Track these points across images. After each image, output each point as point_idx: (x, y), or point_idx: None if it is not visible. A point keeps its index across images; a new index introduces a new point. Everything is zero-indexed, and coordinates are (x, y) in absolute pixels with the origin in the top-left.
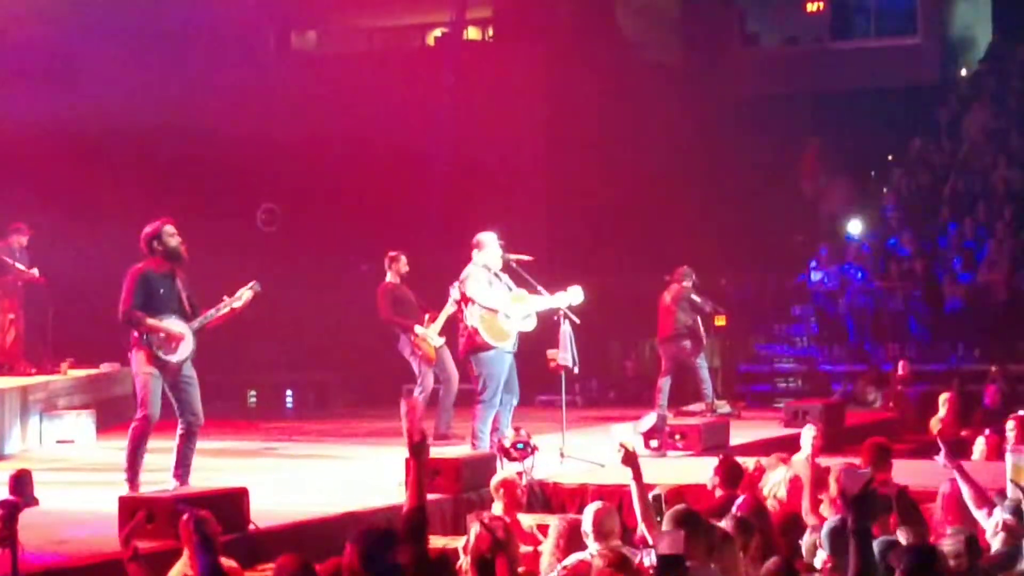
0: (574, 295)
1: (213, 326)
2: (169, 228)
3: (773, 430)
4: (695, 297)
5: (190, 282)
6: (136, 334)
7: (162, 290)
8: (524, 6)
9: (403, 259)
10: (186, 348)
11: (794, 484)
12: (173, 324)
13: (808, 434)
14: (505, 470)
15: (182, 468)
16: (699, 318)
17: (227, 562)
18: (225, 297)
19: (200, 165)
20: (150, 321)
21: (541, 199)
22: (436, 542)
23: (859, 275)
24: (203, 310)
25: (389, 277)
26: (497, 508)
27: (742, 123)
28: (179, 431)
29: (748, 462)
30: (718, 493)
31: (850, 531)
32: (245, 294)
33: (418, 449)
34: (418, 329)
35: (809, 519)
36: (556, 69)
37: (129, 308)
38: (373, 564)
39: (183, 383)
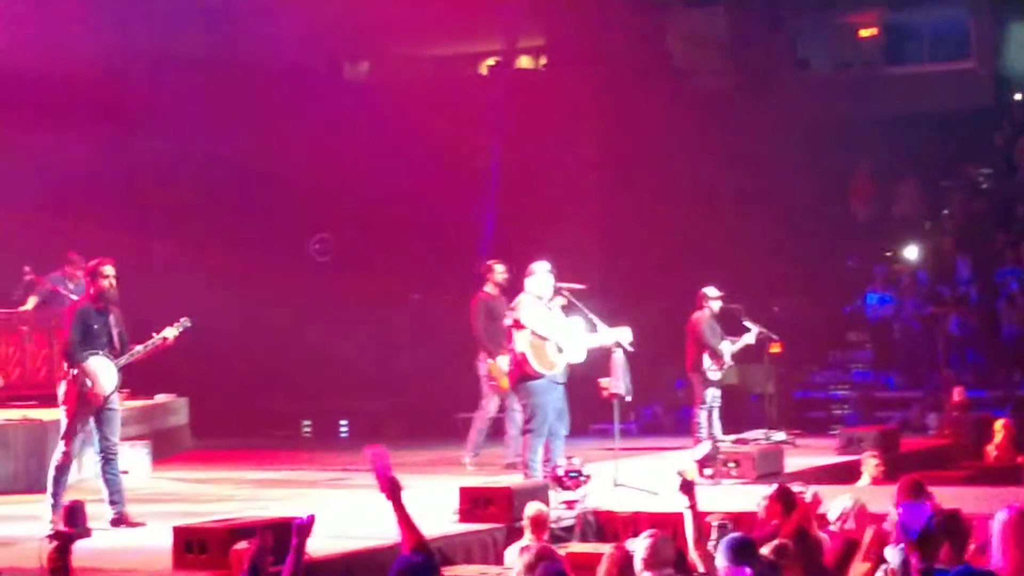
0: (623, 335)
1: (143, 359)
2: (106, 269)
3: (828, 457)
4: (713, 324)
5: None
6: (68, 368)
7: (96, 326)
8: (576, 35)
9: (498, 268)
10: (109, 385)
11: (861, 513)
12: (99, 364)
13: (870, 462)
14: (535, 503)
15: (116, 494)
16: (723, 343)
17: None
18: (153, 334)
19: (254, 195)
20: (80, 359)
21: (595, 226)
22: (488, 571)
23: (914, 301)
24: (131, 346)
25: (486, 288)
26: (526, 539)
27: (794, 148)
28: (98, 460)
29: (806, 491)
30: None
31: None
32: (171, 332)
33: (392, 492)
34: (500, 360)
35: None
36: (608, 97)
37: (68, 342)
38: None
39: (105, 412)
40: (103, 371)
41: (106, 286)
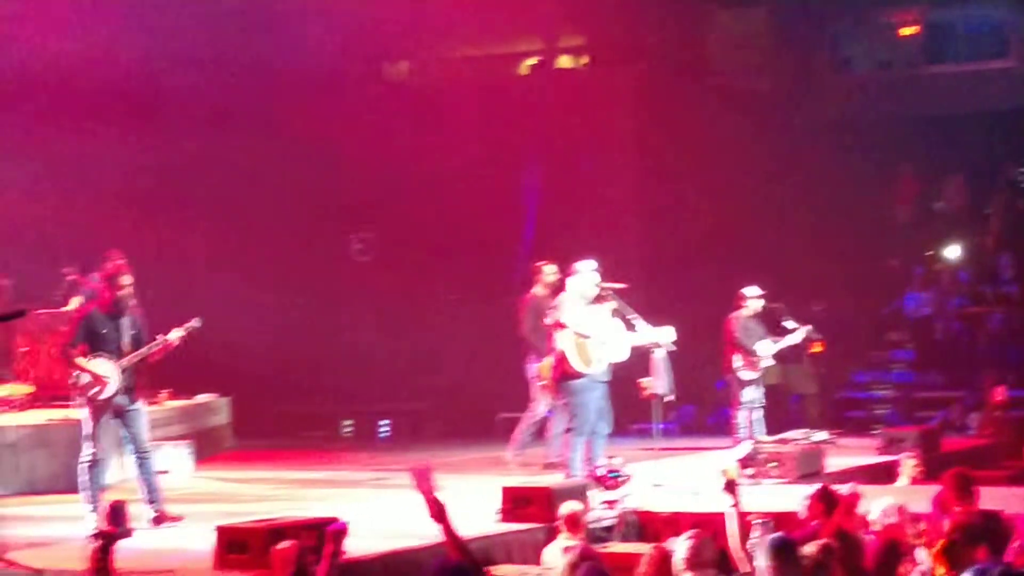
0: (666, 335)
1: (155, 360)
2: (123, 279)
3: (869, 457)
4: (748, 323)
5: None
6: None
7: (104, 330)
8: (616, 34)
9: (547, 269)
10: (110, 387)
11: (901, 513)
12: (97, 365)
13: (908, 463)
14: (571, 501)
15: (152, 493)
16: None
17: None
18: (158, 336)
19: (294, 195)
20: (78, 360)
21: (635, 226)
22: (528, 572)
23: (956, 300)
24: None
25: (535, 289)
26: (563, 539)
27: (834, 148)
28: (134, 462)
29: (842, 488)
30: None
31: None
32: (175, 334)
33: (439, 514)
34: (548, 361)
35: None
36: (648, 96)
37: (65, 344)
38: None
39: (128, 414)
40: (104, 373)
41: (122, 295)
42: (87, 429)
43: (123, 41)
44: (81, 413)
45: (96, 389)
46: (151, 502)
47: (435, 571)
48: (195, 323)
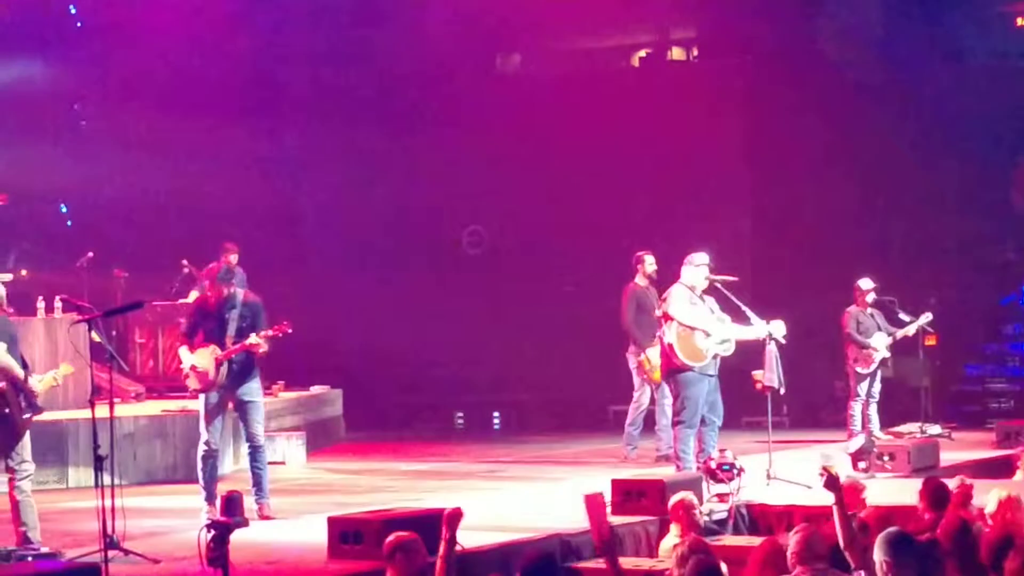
0: (776, 328)
1: (263, 354)
2: (225, 271)
3: (984, 451)
4: (861, 317)
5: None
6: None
7: (212, 321)
8: (728, 26)
9: (648, 259)
10: (207, 378)
11: (1017, 507)
12: (197, 356)
13: None
14: (682, 492)
15: (255, 486)
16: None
17: None
18: (252, 334)
19: (405, 188)
20: (180, 352)
21: (746, 219)
22: (642, 564)
23: None
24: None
25: (637, 279)
26: (675, 531)
27: (948, 141)
28: (248, 453)
29: (952, 481)
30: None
31: None
32: (261, 336)
33: (607, 548)
34: (649, 352)
35: None
36: (758, 89)
37: (180, 334)
38: None
39: (244, 408)
40: (202, 364)
41: (232, 286)
42: (201, 420)
43: (234, 37)
44: (196, 404)
45: (198, 380)
46: (255, 495)
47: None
48: (285, 329)
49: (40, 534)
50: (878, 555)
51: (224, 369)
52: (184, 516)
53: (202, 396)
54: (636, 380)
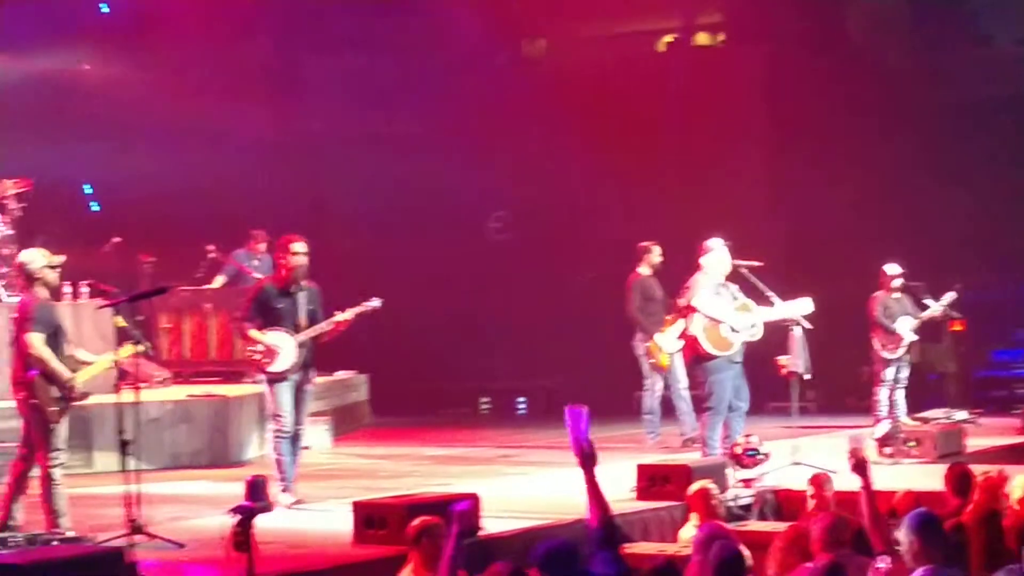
0: (803, 306)
1: (330, 338)
2: (295, 246)
3: (1011, 437)
4: (888, 302)
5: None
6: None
7: (279, 305)
8: (754, 11)
9: (655, 250)
10: (284, 360)
11: None
12: (272, 337)
13: None
14: (702, 480)
15: (281, 472)
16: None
17: None
18: (336, 312)
19: (431, 172)
20: (250, 333)
21: (772, 204)
22: (666, 549)
23: None
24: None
25: (640, 269)
26: (694, 519)
27: (974, 126)
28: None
29: (991, 469)
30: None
31: None
32: (349, 313)
33: (587, 459)
34: (657, 338)
35: None
36: (785, 73)
37: (238, 318)
38: None
39: (303, 392)
40: (277, 344)
41: (295, 264)
42: (269, 404)
43: (265, 20)
44: (262, 388)
45: (269, 362)
46: (280, 480)
47: (541, 554)
48: (373, 303)
49: (69, 520)
50: (905, 536)
51: (302, 352)
52: (209, 501)
53: (270, 380)
54: (644, 368)
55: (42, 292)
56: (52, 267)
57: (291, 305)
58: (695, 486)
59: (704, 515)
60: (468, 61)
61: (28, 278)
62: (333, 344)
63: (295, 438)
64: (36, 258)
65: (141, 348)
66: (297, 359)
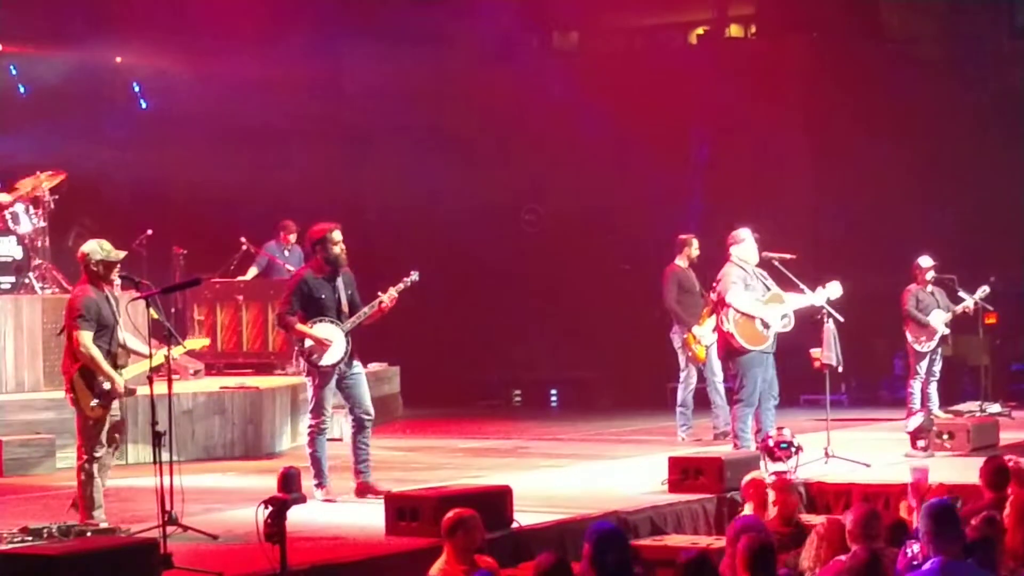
0: (832, 289)
1: (374, 320)
2: (334, 235)
3: None
4: (921, 295)
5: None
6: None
7: (322, 295)
8: (786, 3)
9: (694, 243)
10: (336, 352)
11: None
12: (321, 330)
13: None
14: (755, 471)
15: (360, 463)
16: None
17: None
18: (379, 293)
19: (463, 164)
20: (299, 327)
21: (805, 197)
22: (699, 542)
23: None
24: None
25: (678, 261)
26: (748, 509)
27: (1011, 118)
28: (351, 427)
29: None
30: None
31: None
32: (393, 291)
33: None
34: (695, 330)
35: None
36: (819, 65)
37: (282, 312)
38: (603, 564)
39: (348, 380)
40: (328, 337)
41: (336, 252)
42: (311, 398)
43: (299, 14)
44: (306, 380)
45: (318, 355)
46: (358, 472)
47: (591, 534)
48: (413, 277)
49: (104, 512)
50: (921, 523)
51: (348, 339)
52: (242, 492)
53: (312, 372)
54: (682, 360)
55: (95, 284)
56: (109, 262)
57: (332, 293)
58: (749, 477)
59: (758, 506)
60: (500, 53)
61: (84, 269)
62: (366, 336)
63: (359, 427)
64: (95, 250)
65: (197, 345)
66: (347, 349)
